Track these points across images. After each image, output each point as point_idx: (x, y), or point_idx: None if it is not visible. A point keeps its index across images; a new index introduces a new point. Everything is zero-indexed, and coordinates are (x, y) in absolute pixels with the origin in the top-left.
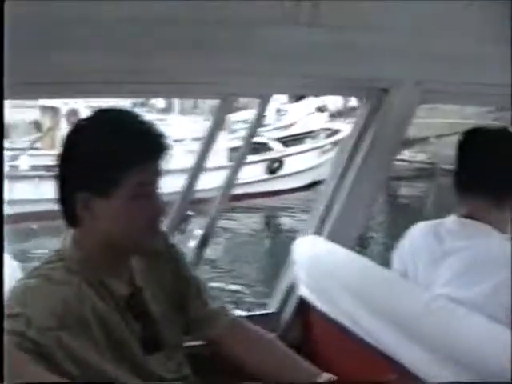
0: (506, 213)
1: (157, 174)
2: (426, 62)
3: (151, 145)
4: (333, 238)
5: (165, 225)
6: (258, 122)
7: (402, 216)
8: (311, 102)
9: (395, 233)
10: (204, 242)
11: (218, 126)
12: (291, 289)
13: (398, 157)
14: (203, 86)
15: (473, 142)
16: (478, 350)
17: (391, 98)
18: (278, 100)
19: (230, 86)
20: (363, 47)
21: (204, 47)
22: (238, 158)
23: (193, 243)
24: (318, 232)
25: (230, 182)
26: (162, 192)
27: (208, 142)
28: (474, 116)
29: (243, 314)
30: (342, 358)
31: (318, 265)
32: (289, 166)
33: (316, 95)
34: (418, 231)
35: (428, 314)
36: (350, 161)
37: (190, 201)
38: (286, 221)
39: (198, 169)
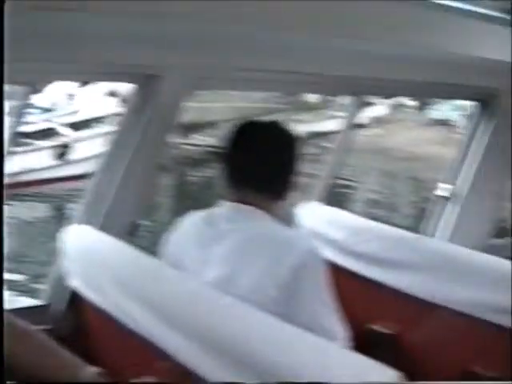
0: (276, 200)
1: None
2: (197, 49)
3: None
4: (103, 226)
5: None
6: (23, 110)
7: (189, 201)
8: (102, 87)
9: (177, 219)
10: None
11: None
12: (62, 280)
13: (189, 141)
14: None
15: (244, 134)
16: (242, 341)
17: (162, 84)
18: (69, 85)
19: None
20: (133, 32)
21: None
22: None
23: None
24: (88, 220)
25: None
26: None
27: None
28: (261, 100)
29: (10, 306)
30: (115, 351)
31: (87, 255)
32: (78, 151)
33: (88, 82)
34: (190, 220)
35: (193, 304)
36: (121, 148)
37: None
38: (74, 208)
39: None
